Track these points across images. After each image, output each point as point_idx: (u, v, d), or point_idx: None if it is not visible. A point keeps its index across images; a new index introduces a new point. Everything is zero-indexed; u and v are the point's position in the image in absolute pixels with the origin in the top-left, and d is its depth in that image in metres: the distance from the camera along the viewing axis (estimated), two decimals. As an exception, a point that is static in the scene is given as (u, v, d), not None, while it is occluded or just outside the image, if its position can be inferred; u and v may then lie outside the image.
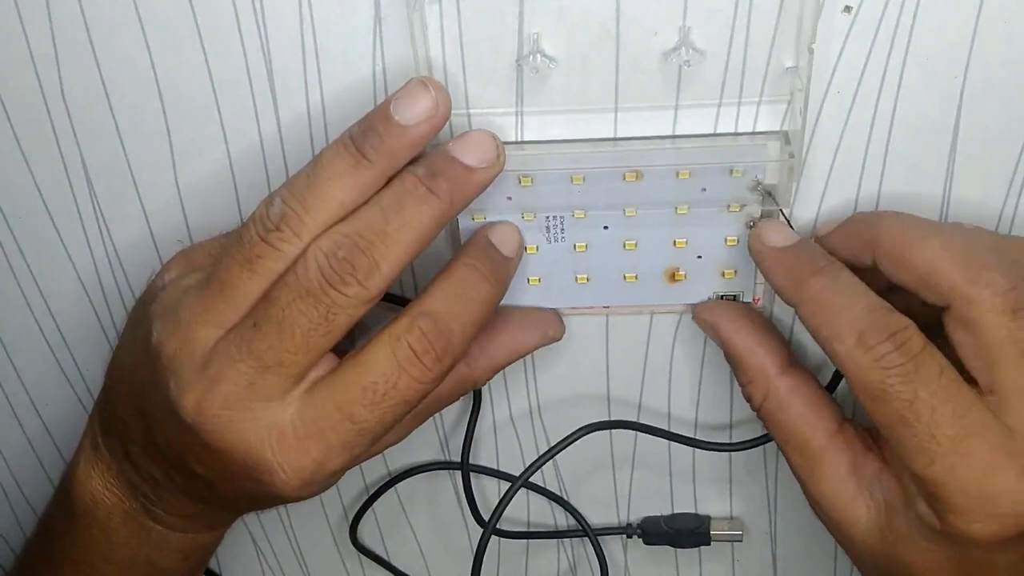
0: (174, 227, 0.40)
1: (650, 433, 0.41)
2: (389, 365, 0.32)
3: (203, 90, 0.37)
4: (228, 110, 0.37)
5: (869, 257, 0.34)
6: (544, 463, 0.40)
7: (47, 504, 0.42)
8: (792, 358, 0.37)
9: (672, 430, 0.40)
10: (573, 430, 0.40)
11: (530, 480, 0.46)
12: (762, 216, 0.36)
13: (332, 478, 0.34)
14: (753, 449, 0.44)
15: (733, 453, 0.44)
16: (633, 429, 0.41)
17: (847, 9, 0.33)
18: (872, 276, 0.33)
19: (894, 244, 0.33)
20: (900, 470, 0.33)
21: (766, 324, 0.38)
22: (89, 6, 0.35)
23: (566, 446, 0.39)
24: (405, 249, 0.32)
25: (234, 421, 0.33)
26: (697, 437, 0.41)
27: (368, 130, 0.32)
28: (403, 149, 0.32)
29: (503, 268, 0.35)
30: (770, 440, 0.39)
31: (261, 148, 0.38)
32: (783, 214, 0.36)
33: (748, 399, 0.37)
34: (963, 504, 0.30)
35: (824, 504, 0.35)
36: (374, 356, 0.33)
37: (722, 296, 0.38)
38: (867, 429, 0.36)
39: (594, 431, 0.40)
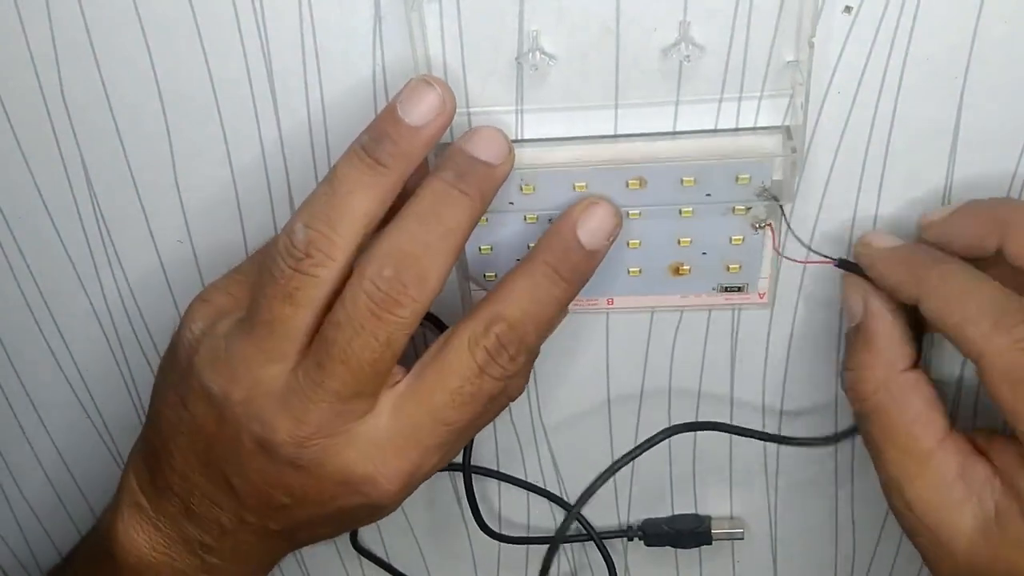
0: (174, 227, 0.40)
1: (740, 434, 0.41)
2: (471, 369, 0.33)
3: (203, 90, 0.37)
4: (228, 111, 0.37)
5: (995, 241, 0.33)
6: (626, 463, 0.40)
7: (75, 553, 0.42)
8: (916, 361, 0.36)
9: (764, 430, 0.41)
10: (656, 432, 0.40)
11: (531, 482, 0.46)
12: (767, 217, 0.36)
13: (426, 477, 0.35)
14: (753, 447, 0.44)
15: (734, 452, 0.44)
16: (721, 431, 0.41)
17: (847, 9, 0.33)
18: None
19: (986, 214, 0.33)
20: (1013, 470, 0.32)
21: (904, 317, 0.36)
22: (89, 6, 0.35)
23: (649, 447, 0.40)
24: (448, 256, 0.32)
25: (333, 446, 0.33)
26: (796, 436, 0.40)
27: (381, 136, 0.32)
28: (417, 150, 0.32)
29: (585, 265, 0.35)
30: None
31: (261, 148, 0.38)
32: (783, 213, 0.36)
33: (856, 384, 0.35)
34: None
35: (921, 508, 0.33)
36: (456, 362, 0.33)
37: (726, 288, 0.38)
38: (971, 437, 0.35)
39: (681, 432, 0.40)
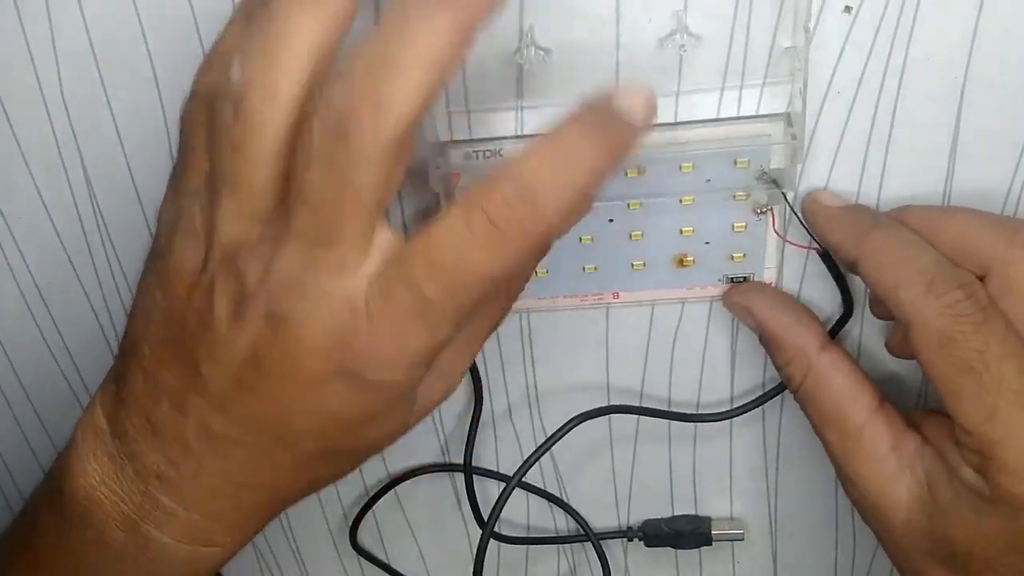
0: (174, 227, 0.40)
1: (645, 415, 0.41)
2: (461, 238, 0.27)
3: (203, 90, 0.37)
4: (228, 110, 0.37)
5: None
6: (539, 457, 0.40)
7: (36, 491, 0.37)
8: (828, 336, 0.37)
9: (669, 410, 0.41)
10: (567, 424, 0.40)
11: (530, 483, 0.46)
12: (768, 202, 0.36)
13: (417, 361, 0.29)
14: (753, 448, 0.44)
15: (734, 452, 0.44)
16: (627, 413, 0.41)
17: (847, 9, 0.33)
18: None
19: (924, 219, 0.33)
20: (942, 442, 0.33)
21: (798, 303, 0.38)
22: (89, 6, 0.35)
23: (560, 437, 0.39)
24: (419, 76, 0.26)
25: (305, 300, 0.28)
26: (699, 412, 0.41)
27: None
28: None
29: (624, 136, 0.27)
30: (767, 400, 0.40)
31: (261, 148, 0.38)
32: (787, 200, 0.36)
33: (787, 380, 0.37)
34: (1018, 465, 0.30)
35: (861, 485, 0.34)
36: (445, 226, 0.27)
37: (732, 278, 0.38)
38: (904, 414, 0.36)
39: (588, 419, 0.40)
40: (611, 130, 0.27)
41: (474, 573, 0.42)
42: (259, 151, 0.28)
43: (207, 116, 0.29)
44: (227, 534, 0.34)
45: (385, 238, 0.29)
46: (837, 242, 0.35)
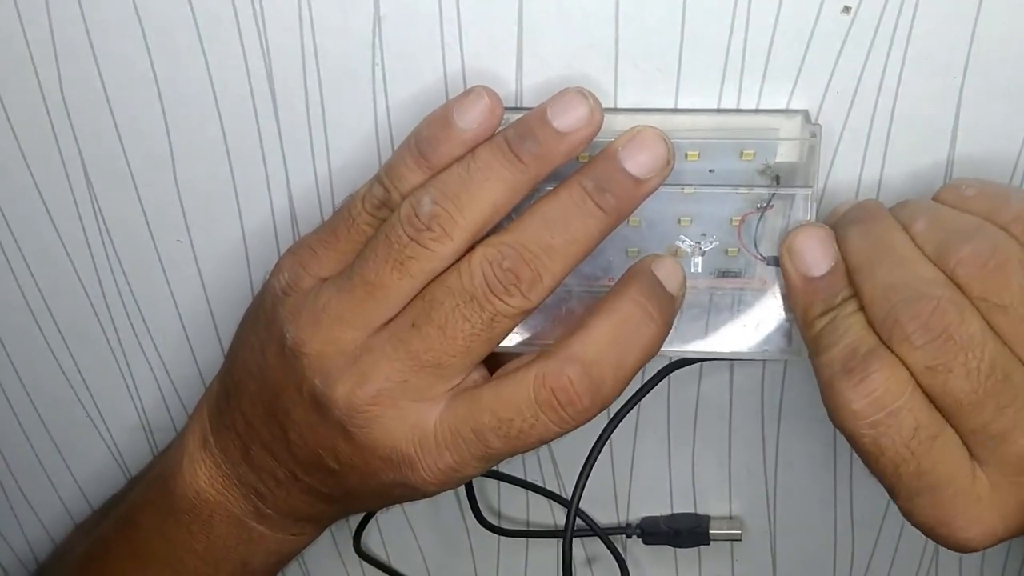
0: (174, 227, 0.40)
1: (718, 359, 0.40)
2: (528, 406, 0.32)
3: (203, 90, 0.37)
4: (228, 110, 0.37)
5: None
6: (626, 413, 0.40)
7: (122, 495, 0.43)
8: None
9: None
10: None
11: (531, 481, 0.46)
12: (773, 198, 0.35)
13: (467, 479, 0.35)
14: (753, 448, 0.44)
15: (733, 452, 0.44)
16: (716, 360, 0.40)
17: (846, 9, 0.33)
18: None
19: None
20: None
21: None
22: (89, 6, 0.35)
23: (648, 391, 0.40)
24: (568, 263, 0.32)
25: (382, 417, 0.33)
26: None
27: (525, 134, 0.32)
28: (558, 156, 0.32)
29: (669, 308, 0.34)
30: None
31: (260, 147, 0.38)
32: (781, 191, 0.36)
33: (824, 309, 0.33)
34: None
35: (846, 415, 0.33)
36: (515, 392, 0.32)
37: (724, 273, 0.38)
38: None
39: (678, 368, 0.40)
40: (660, 301, 0.33)
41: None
42: (415, 274, 0.32)
43: (378, 220, 0.34)
44: (311, 528, 0.41)
45: (475, 371, 0.34)
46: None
